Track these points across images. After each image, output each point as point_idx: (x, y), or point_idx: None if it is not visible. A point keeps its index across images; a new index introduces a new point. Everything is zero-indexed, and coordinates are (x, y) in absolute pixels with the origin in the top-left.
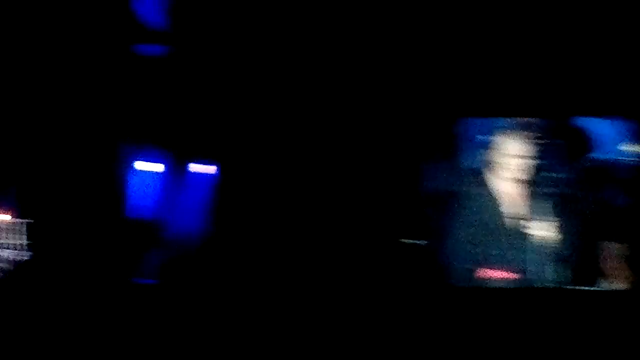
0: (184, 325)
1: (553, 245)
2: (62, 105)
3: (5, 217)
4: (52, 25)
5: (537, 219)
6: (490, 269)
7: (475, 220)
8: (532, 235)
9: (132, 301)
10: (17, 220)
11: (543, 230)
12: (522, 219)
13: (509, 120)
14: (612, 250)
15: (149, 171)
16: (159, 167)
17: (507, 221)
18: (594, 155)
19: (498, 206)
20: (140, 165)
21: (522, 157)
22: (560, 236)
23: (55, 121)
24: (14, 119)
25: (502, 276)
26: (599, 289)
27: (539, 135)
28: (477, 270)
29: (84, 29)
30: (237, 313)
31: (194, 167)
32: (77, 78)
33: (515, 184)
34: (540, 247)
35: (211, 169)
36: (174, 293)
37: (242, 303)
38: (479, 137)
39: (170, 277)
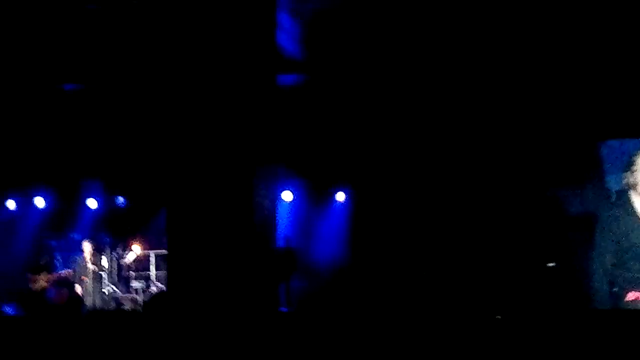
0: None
1: None
2: (204, 135)
3: (137, 250)
4: (199, 62)
5: None
6: (636, 291)
7: (619, 243)
8: None
9: (279, 330)
10: (149, 252)
11: None
12: None
13: None
14: None
15: (289, 201)
16: (298, 196)
17: None
18: None
19: None
20: (283, 195)
21: None
22: None
23: (197, 151)
24: (155, 152)
25: None
26: None
27: None
28: (623, 293)
29: (229, 61)
30: (378, 339)
31: (333, 195)
32: (221, 110)
33: None
34: None
35: (350, 196)
36: (315, 322)
37: (382, 330)
38: (622, 158)
39: (312, 305)
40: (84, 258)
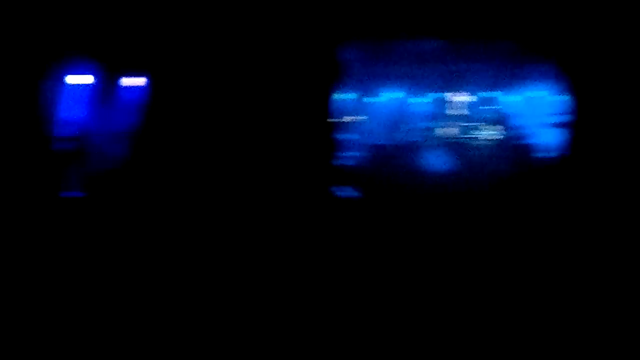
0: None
1: None
2: None
3: None
4: None
5: None
6: None
7: None
8: None
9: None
10: None
11: None
12: None
13: None
14: None
15: (78, 84)
16: (89, 80)
17: None
18: None
19: None
20: (70, 78)
21: None
22: None
23: None
24: None
25: None
26: None
27: None
28: None
29: None
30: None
31: (125, 81)
32: None
33: None
34: None
35: (142, 82)
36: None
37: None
38: None
39: (97, 190)
40: None
